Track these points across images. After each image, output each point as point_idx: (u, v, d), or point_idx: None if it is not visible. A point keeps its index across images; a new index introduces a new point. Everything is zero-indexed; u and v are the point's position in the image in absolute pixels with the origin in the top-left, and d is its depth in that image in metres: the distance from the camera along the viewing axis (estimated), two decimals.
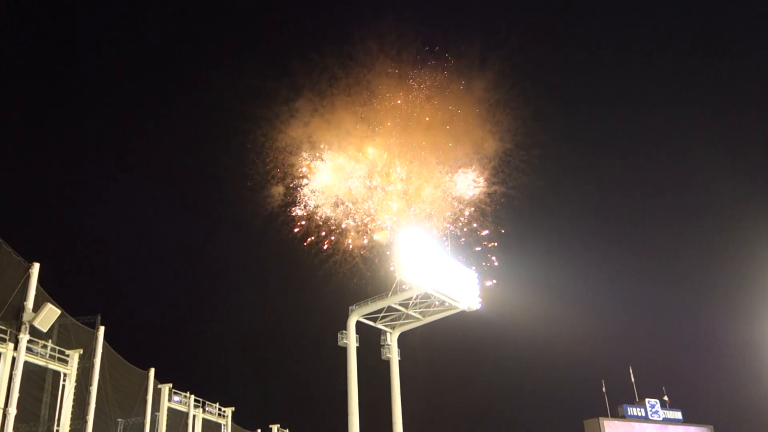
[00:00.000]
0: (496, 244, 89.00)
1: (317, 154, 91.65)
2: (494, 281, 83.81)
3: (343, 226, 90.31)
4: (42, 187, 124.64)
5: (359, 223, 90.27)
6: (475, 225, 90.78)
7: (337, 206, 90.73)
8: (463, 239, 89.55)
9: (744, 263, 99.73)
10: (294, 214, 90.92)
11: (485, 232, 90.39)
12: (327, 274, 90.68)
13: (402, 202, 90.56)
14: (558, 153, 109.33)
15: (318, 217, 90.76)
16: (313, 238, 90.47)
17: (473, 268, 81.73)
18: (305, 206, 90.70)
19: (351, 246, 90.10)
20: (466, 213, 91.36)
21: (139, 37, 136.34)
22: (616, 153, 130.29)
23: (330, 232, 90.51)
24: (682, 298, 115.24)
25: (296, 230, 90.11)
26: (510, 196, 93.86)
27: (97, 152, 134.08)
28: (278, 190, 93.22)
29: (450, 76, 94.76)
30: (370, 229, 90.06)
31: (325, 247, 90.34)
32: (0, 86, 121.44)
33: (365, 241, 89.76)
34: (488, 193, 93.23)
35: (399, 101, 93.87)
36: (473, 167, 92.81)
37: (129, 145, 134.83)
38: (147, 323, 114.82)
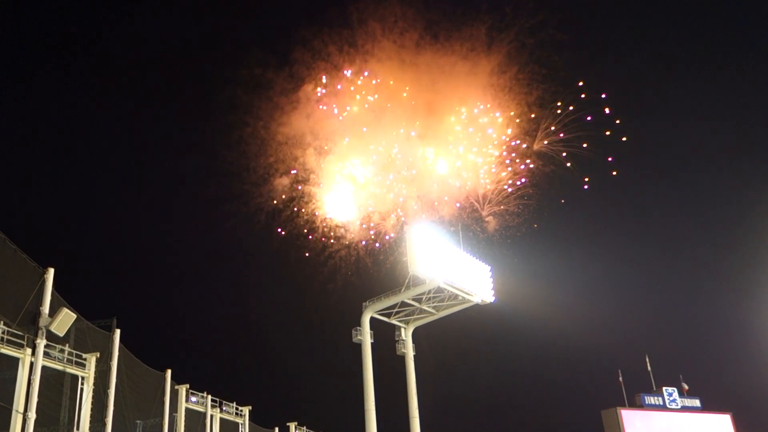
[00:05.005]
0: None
1: (325, 147, 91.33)
2: (507, 273, 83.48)
3: (346, 221, 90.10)
4: (52, 191, 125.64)
5: (364, 215, 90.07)
6: (485, 215, 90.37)
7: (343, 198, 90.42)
8: (475, 229, 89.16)
9: (760, 249, 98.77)
10: (302, 210, 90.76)
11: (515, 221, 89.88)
12: (333, 270, 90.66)
13: (410, 190, 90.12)
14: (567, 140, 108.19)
15: (323, 213, 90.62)
16: (318, 233, 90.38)
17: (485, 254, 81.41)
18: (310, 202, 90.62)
19: (356, 239, 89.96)
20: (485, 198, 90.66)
21: (135, 31, 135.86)
22: (627, 140, 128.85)
23: (335, 227, 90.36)
24: (698, 284, 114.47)
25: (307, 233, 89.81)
26: (518, 185, 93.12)
27: (104, 154, 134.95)
28: (282, 182, 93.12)
29: (455, 59, 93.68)
30: (376, 221, 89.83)
31: (331, 241, 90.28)
32: (10, 90, 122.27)
33: (371, 233, 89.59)
34: (496, 182, 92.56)
35: (402, 85, 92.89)
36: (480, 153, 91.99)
37: (134, 144, 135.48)
38: (162, 325, 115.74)
